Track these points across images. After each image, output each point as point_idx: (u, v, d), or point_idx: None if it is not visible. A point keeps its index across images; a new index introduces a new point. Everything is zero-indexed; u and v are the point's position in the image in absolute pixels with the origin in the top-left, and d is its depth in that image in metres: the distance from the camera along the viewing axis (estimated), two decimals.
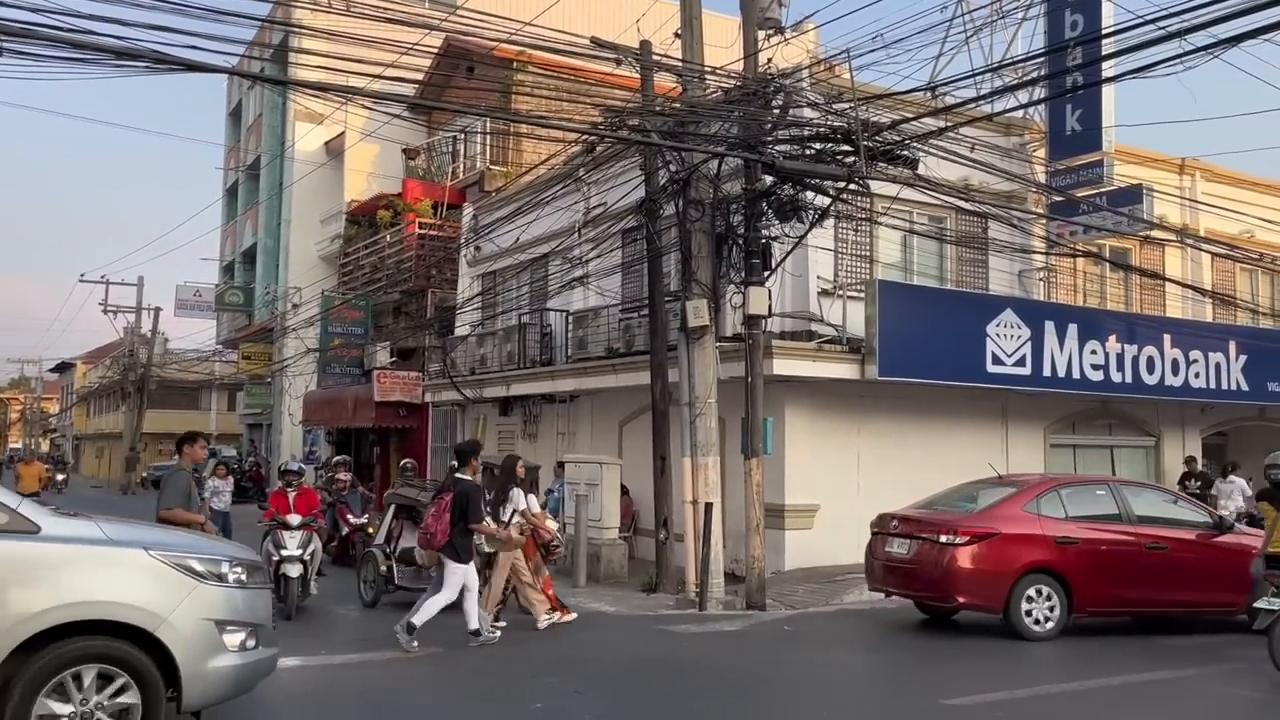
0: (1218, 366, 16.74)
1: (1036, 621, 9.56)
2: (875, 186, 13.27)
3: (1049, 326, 14.81)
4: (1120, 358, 15.55)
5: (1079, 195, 15.12)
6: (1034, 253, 15.99)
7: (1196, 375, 16.47)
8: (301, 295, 28.72)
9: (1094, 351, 15.26)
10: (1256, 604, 8.15)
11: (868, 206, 14.67)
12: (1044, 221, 15.95)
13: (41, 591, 4.96)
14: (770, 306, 12.00)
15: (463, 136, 25.77)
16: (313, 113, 27.34)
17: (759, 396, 11.83)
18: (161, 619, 5.14)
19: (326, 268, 30.38)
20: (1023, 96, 11.38)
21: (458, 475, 9.26)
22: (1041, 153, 16.01)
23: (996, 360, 14.28)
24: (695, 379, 12.03)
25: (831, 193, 11.38)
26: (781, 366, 12.99)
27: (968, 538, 9.56)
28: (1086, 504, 10.27)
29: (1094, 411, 17.10)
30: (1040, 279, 16.19)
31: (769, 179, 11.48)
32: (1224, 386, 16.82)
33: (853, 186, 11.07)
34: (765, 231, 12.01)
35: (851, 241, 14.73)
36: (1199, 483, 15.98)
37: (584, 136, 13.67)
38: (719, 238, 12.28)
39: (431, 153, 27.18)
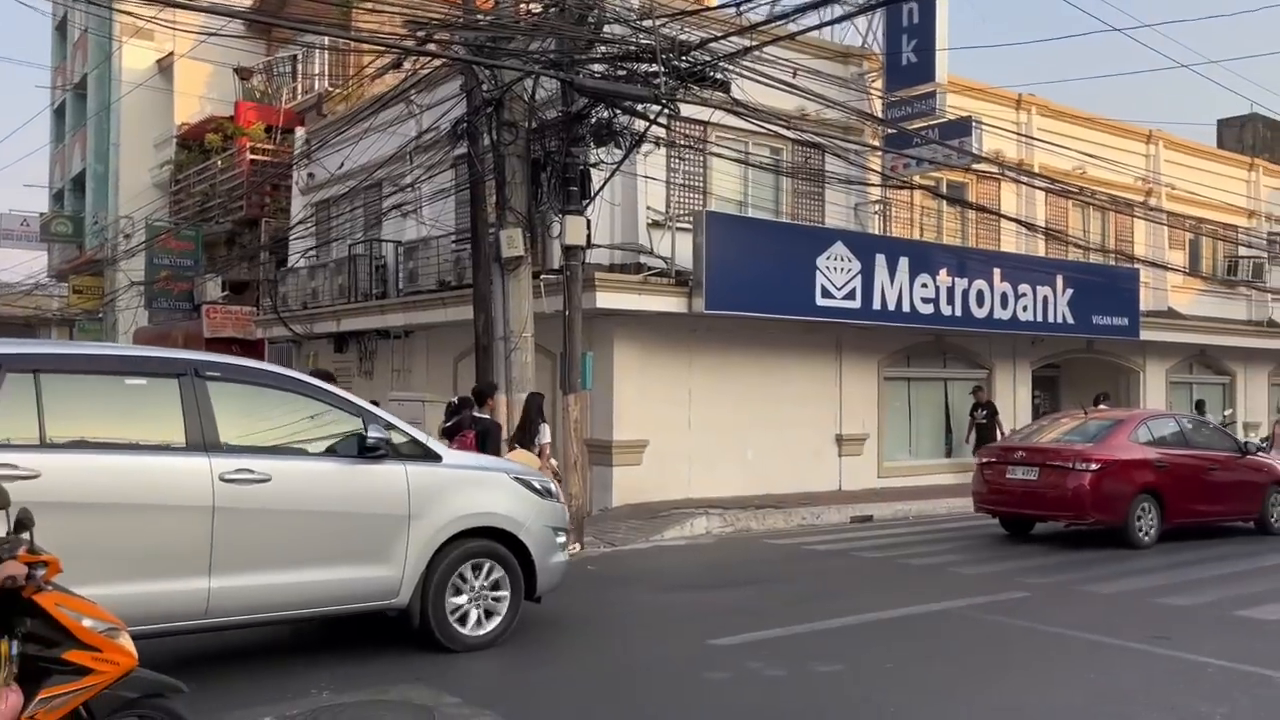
0: (1045, 300, 17.11)
1: (1145, 533, 11.34)
2: (700, 114, 12.88)
3: (880, 260, 14.79)
4: (951, 291, 15.70)
5: (910, 128, 15.03)
6: (868, 185, 15.91)
7: (1025, 309, 16.80)
8: (133, 224, 26.87)
9: (925, 285, 15.35)
10: None
11: (700, 135, 14.31)
12: (879, 154, 15.85)
13: (453, 505, 6.31)
14: (589, 237, 11.52)
15: (301, 57, 24.23)
16: (140, 27, 25.31)
17: (577, 331, 11.41)
18: (523, 525, 6.57)
19: (160, 195, 28.48)
20: (826, 15, 11.03)
21: (476, 415, 10.33)
22: (881, 84, 15.86)
23: (826, 293, 14.20)
24: (510, 313, 11.52)
25: (648, 116, 10.91)
26: (605, 300, 12.59)
27: (1099, 464, 11.17)
28: (1164, 433, 12.24)
29: (928, 345, 17.32)
30: (875, 213, 16.15)
31: (585, 101, 10.94)
32: (1051, 319, 17.22)
33: (669, 110, 10.61)
34: (584, 158, 11.48)
35: (684, 172, 14.35)
36: (985, 411, 16.34)
37: (396, 53, 12.79)
38: (535, 164, 11.69)
39: (269, 74, 25.53)
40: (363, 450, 5.94)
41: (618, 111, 10.95)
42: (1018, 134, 18.40)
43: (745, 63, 10.87)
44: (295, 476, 5.77)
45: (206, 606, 5.45)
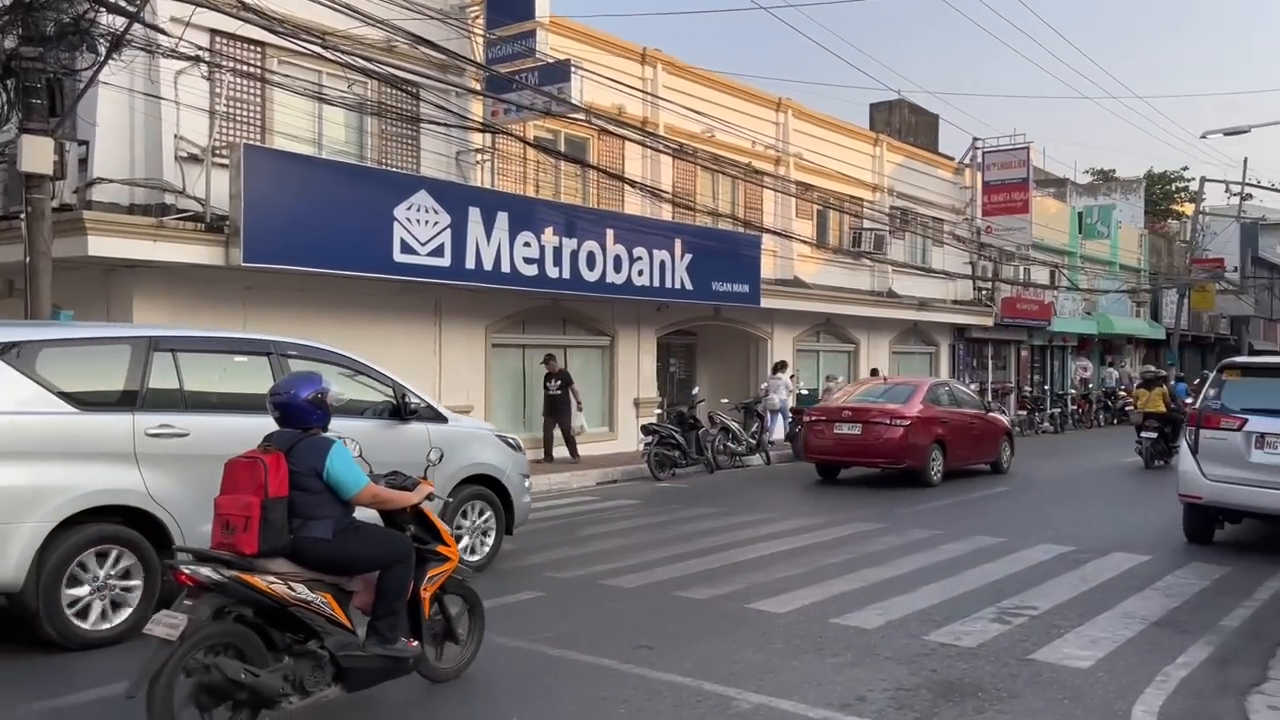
0: (663, 265, 16.46)
1: (935, 474, 14.26)
2: (255, 34, 10.82)
3: (474, 214, 13.35)
4: (559, 252, 14.57)
5: (503, 70, 13.67)
6: (470, 130, 14.41)
7: (641, 273, 16.05)
8: None
9: (528, 244, 14.11)
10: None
11: (258, 60, 12.19)
12: (482, 99, 14.39)
13: (459, 456, 7.89)
14: (62, 164, 9.17)
15: None
16: None
17: (43, 283, 9.02)
18: (504, 472, 8.37)
19: None
20: None
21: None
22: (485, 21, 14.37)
23: (408, 248, 12.56)
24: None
25: (128, 12, 8.71)
26: (104, 246, 10.24)
27: (909, 421, 14.04)
28: (942, 397, 15.39)
29: (544, 310, 16.20)
30: (478, 163, 14.70)
31: None
32: (670, 285, 16.61)
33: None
34: (59, 63, 9.11)
35: (235, 101, 12.16)
36: (559, 382, 15.46)
37: None
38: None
39: None
40: (402, 413, 7.54)
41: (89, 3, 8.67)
42: (643, 91, 17.66)
43: None
44: (360, 434, 6.20)
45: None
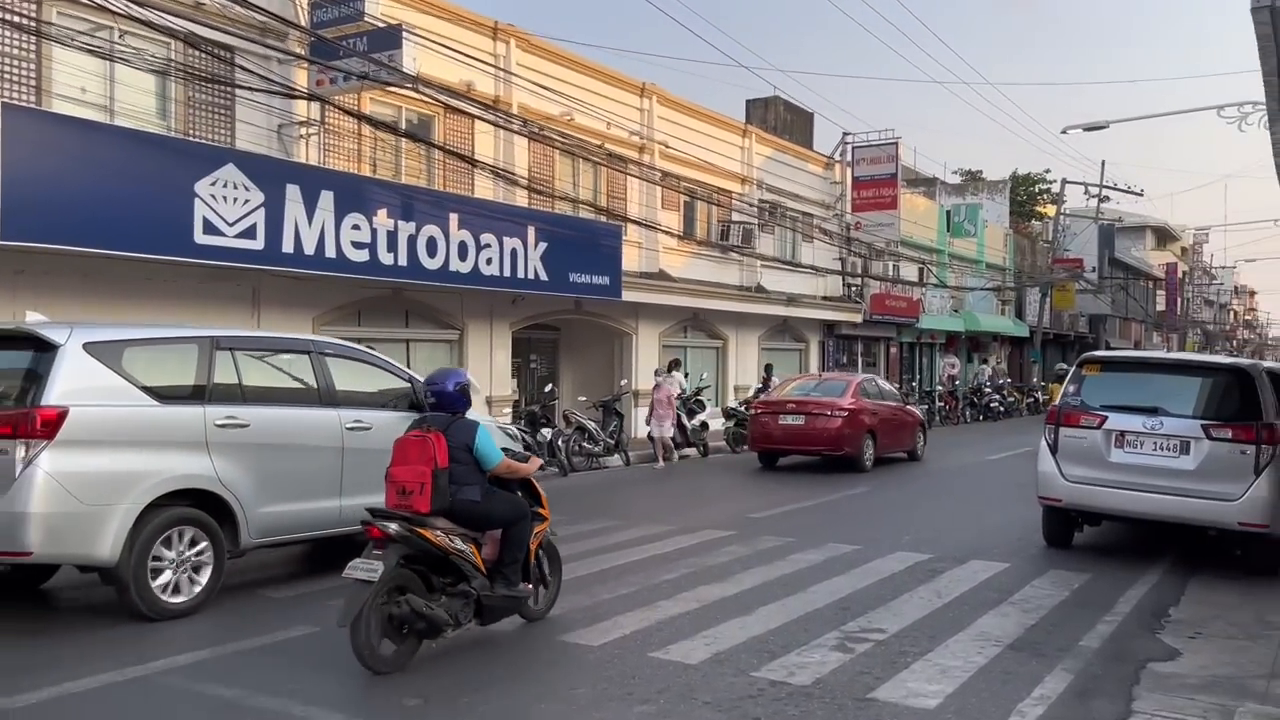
0: (515, 253, 15.36)
1: (868, 459, 15.61)
2: None
3: (293, 191, 12.00)
4: (393, 236, 13.32)
5: (330, 35, 12.38)
6: (295, 98, 13.05)
7: (490, 261, 14.92)
8: None
9: (357, 227, 12.82)
10: None
11: (31, 11, 10.61)
12: (307, 66, 13.04)
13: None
14: None
15: None
16: None
17: None
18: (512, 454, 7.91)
19: None
20: None
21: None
22: None
23: (212, 229, 11.15)
24: None
25: None
26: None
27: (846, 413, 15.35)
28: (871, 390, 16.70)
29: (385, 300, 14.90)
30: (302, 136, 13.35)
31: None
32: (522, 275, 15.52)
33: None
34: None
35: (10, 56, 10.56)
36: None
37: None
38: None
39: None
40: (414, 405, 7.74)
41: None
42: (495, 67, 16.54)
43: None
44: (383, 425, 7.45)
45: (339, 517, 7.34)
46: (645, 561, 8.43)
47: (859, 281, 28.53)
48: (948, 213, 34.77)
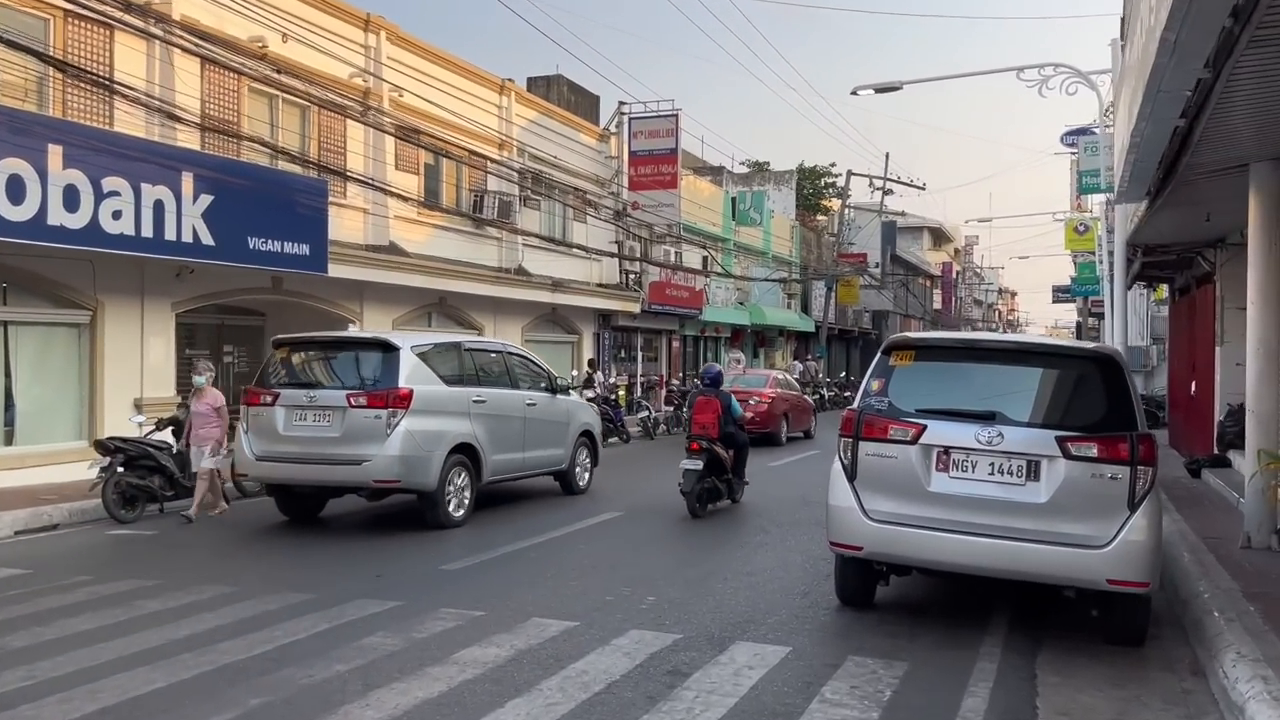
0: (159, 206, 11.48)
1: (784, 437, 19.83)
2: None
3: None
4: None
5: None
6: None
7: (118, 215, 11.01)
8: None
9: None
10: None
11: None
12: None
13: (578, 419, 12.20)
14: None
15: None
16: None
17: None
18: (595, 428, 12.87)
19: None
20: None
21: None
22: None
23: None
24: None
25: None
26: None
27: (769, 399, 19.61)
28: (781, 382, 21.43)
29: None
30: None
31: None
32: (172, 237, 11.66)
33: None
34: None
35: None
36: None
37: None
38: None
39: None
40: (554, 389, 11.72)
41: None
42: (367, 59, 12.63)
43: None
44: (542, 401, 11.42)
45: (523, 464, 11.02)
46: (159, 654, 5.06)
47: (637, 268, 25.84)
48: (733, 199, 32.81)
